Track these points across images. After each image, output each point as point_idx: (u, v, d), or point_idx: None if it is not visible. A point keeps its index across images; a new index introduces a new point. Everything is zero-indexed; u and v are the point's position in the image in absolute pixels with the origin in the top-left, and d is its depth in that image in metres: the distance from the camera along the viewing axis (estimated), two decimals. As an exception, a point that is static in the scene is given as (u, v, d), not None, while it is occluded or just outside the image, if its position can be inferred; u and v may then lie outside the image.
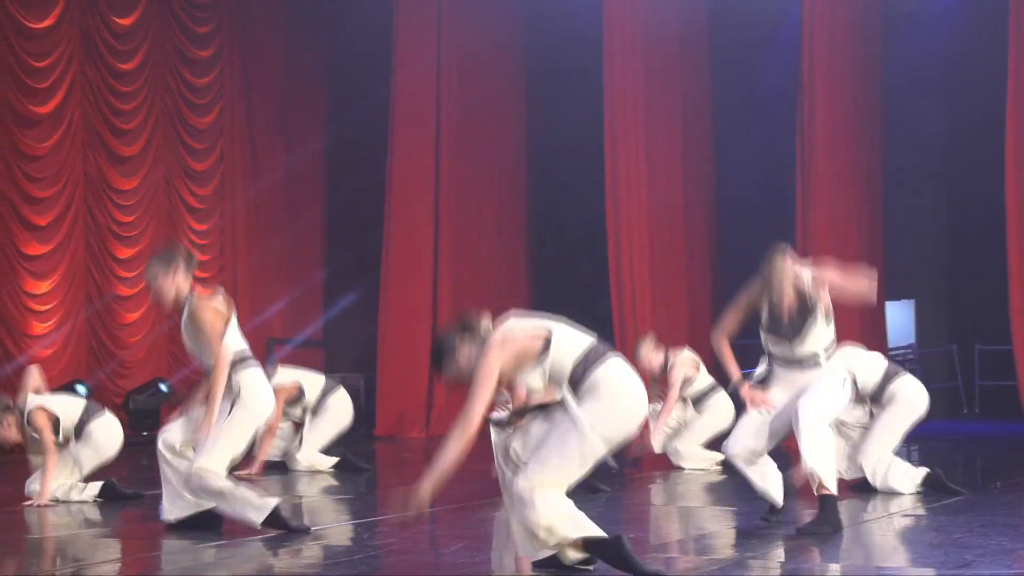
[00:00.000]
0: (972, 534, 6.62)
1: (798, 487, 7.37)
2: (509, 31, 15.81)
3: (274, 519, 6.63)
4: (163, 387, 13.91)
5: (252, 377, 6.88)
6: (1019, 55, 12.67)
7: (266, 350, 15.75)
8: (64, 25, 13.43)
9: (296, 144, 16.26)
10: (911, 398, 8.37)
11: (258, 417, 6.87)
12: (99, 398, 13.58)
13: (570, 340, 5.41)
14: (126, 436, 13.00)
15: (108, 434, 8.64)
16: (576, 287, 17.64)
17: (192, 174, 15.07)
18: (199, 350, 6.90)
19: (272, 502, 6.69)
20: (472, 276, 15.74)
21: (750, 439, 6.79)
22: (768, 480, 6.90)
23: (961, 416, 16.69)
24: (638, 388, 5.32)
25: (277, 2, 15.98)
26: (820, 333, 6.74)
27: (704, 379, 10.47)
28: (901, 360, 14.97)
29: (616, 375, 5.29)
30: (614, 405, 5.24)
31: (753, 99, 15.90)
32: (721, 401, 10.42)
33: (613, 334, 14.53)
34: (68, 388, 12.68)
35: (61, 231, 13.49)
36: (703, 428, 10.39)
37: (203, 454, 6.71)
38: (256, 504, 6.67)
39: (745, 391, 6.83)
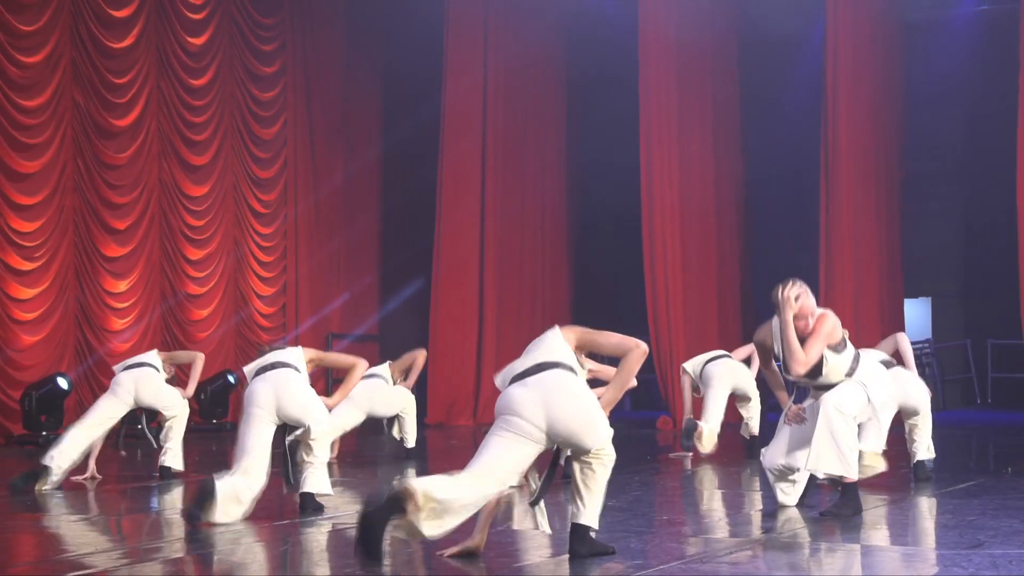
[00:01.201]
0: (985, 516, 6.61)
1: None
2: (550, 46, 15.85)
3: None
4: (231, 379, 14.00)
5: None
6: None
7: (325, 344, 15.86)
8: (142, 45, 13.55)
9: (354, 153, 16.35)
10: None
11: None
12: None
13: None
14: (197, 424, 13.22)
15: None
16: (613, 284, 17.68)
17: (257, 181, 15.17)
18: None
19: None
20: (516, 274, 15.79)
21: (782, 457, 6.73)
22: (790, 498, 6.87)
23: (975, 406, 16.61)
24: None
25: (337, 22, 16.06)
26: (835, 366, 6.56)
27: None
28: (919, 354, 14.90)
29: None
30: None
31: (779, 105, 15.88)
32: None
33: (647, 327, 14.55)
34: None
35: (138, 234, 13.60)
36: None
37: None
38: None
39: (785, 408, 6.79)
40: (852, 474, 6.57)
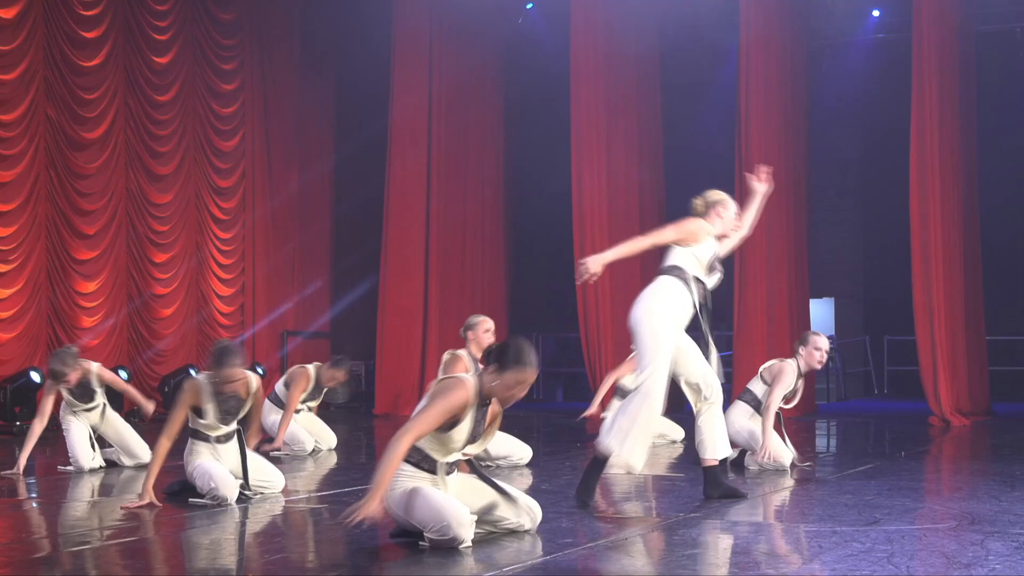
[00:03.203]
0: (880, 496, 6.77)
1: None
2: (490, 67, 15.94)
3: None
4: (192, 372, 13.96)
5: None
6: (920, 88, 12.84)
7: (280, 341, 15.85)
8: (110, 64, 13.48)
9: (307, 164, 16.35)
10: None
11: None
12: (137, 382, 13.70)
13: None
14: (160, 415, 13.16)
15: None
16: (546, 287, 17.79)
17: (218, 190, 15.13)
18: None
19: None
20: (457, 275, 15.86)
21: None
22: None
23: (873, 396, 16.91)
24: None
25: (292, 43, 16.05)
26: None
27: None
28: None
29: None
30: None
31: (697, 122, 16.06)
32: None
33: (578, 324, 14.69)
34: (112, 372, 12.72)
35: (106, 239, 13.53)
36: None
37: None
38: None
39: None
40: (711, 457, 6.63)
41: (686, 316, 6.62)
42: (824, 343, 8.38)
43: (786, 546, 5.36)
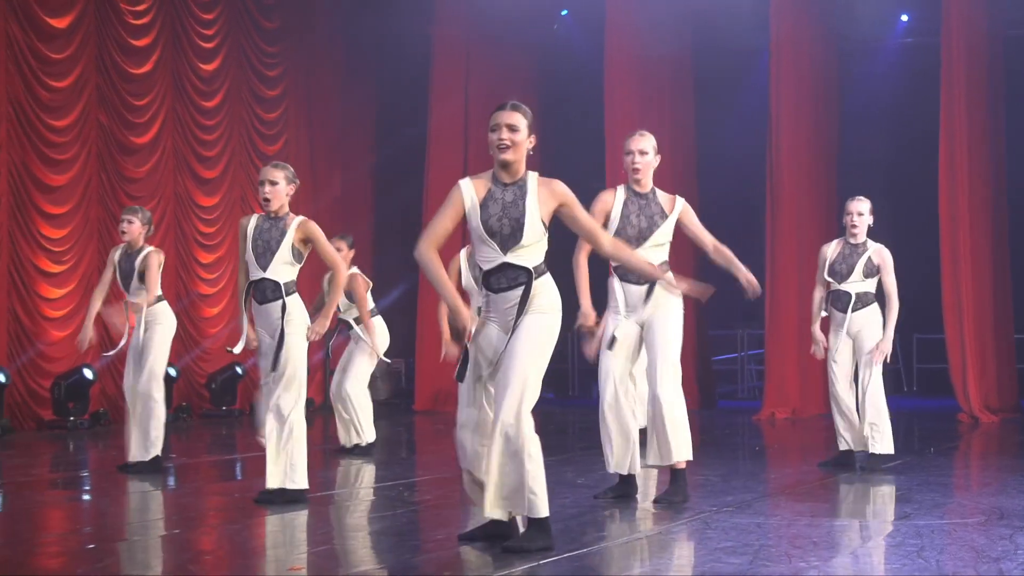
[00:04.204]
0: (910, 491, 6.75)
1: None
2: (525, 73, 15.93)
3: None
4: (239, 370, 14.03)
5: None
6: (950, 89, 12.76)
7: (322, 339, 15.88)
8: (159, 71, 13.58)
9: (349, 167, 16.41)
10: None
11: None
12: (185, 380, 13.81)
13: None
14: (208, 411, 13.28)
15: None
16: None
17: (263, 193, 15.18)
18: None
19: None
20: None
21: None
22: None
23: (902, 393, 16.80)
24: None
25: (334, 51, 16.12)
26: None
27: None
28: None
29: None
30: None
31: (729, 124, 15.97)
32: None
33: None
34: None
35: (155, 240, 13.48)
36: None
37: None
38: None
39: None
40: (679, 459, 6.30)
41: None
42: (854, 206, 8.04)
43: (816, 539, 5.35)
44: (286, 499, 6.41)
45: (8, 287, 12.07)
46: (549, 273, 5.13)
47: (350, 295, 9.40)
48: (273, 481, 6.44)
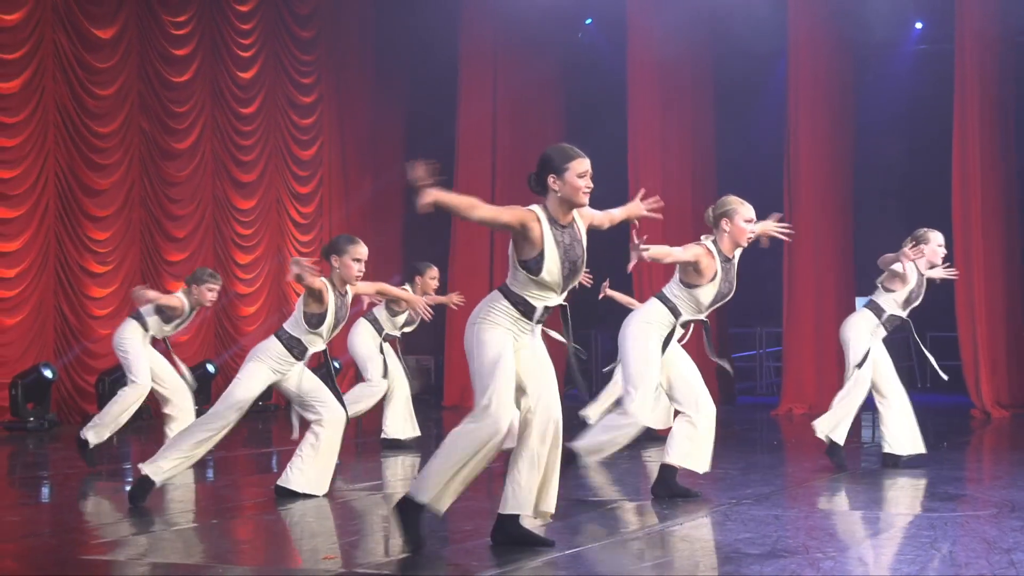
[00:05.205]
0: (924, 484, 6.73)
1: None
2: (551, 79, 15.93)
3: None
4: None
5: None
6: (963, 95, 12.68)
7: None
8: (199, 79, 13.68)
9: (380, 171, 16.45)
10: None
11: None
12: (223, 376, 13.87)
13: None
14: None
15: None
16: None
17: (297, 196, 15.28)
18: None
19: None
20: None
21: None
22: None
23: (915, 390, 16.68)
24: None
25: (366, 59, 16.17)
26: None
27: None
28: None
29: None
30: None
31: (748, 127, 15.93)
32: None
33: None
34: (200, 367, 12.93)
35: (195, 242, 13.72)
36: None
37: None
38: None
39: None
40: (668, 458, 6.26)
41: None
42: (942, 238, 7.76)
43: (832, 531, 5.34)
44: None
45: (55, 287, 12.19)
46: None
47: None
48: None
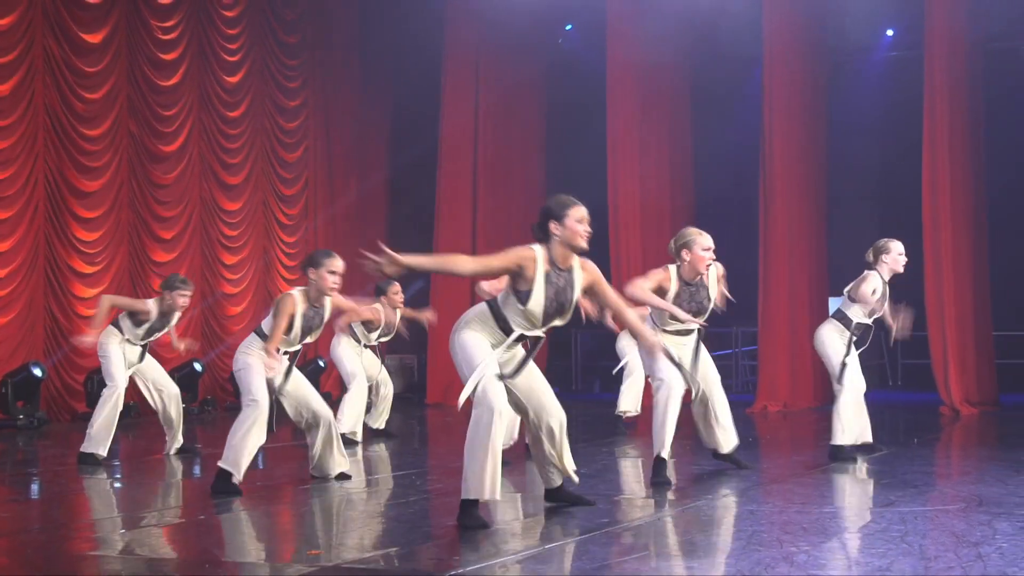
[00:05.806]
0: (895, 479, 6.76)
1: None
2: (532, 84, 15.95)
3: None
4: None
5: None
6: (932, 100, 12.74)
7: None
8: (186, 83, 13.64)
9: (365, 174, 16.44)
10: None
11: None
12: (210, 375, 13.85)
13: None
14: (232, 404, 13.30)
15: None
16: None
17: (283, 198, 15.25)
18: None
19: None
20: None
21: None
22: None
23: (887, 387, 16.81)
24: None
25: (351, 63, 16.16)
26: None
27: None
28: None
29: None
30: None
31: (724, 131, 15.97)
32: None
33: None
34: (187, 366, 12.91)
35: (182, 243, 13.68)
36: None
37: None
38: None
39: None
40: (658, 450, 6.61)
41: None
42: (902, 247, 7.91)
43: (806, 525, 5.38)
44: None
45: (44, 287, 12.14)
46: None
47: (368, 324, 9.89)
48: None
